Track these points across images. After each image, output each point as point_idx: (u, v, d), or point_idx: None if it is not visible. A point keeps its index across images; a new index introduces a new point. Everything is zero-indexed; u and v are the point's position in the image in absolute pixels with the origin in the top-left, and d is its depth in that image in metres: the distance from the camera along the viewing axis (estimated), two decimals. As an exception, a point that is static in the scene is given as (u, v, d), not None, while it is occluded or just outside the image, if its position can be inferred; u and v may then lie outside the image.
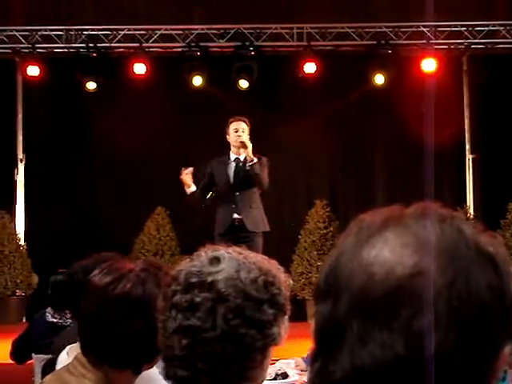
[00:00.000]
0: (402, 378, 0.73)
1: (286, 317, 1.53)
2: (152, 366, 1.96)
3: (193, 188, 7.51)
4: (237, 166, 7.46)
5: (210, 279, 1.46)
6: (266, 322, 1.47)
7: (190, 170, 7.54)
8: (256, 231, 7.34)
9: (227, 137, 7.52)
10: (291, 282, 1.53)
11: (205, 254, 1.51)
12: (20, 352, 4.83)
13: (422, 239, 0.76)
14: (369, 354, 0.73)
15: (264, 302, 1.47)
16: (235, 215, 7.36)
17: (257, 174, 7.22)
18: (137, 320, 1.86)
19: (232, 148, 7.54)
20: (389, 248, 0.77)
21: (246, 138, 7.36)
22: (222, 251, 1.51)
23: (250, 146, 7.23)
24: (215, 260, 1.49)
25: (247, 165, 7.28)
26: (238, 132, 7.39)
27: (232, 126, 7.48)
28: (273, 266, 1.54)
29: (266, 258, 1.57)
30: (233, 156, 7.54)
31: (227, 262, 1.48)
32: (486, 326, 0.74)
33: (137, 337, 1.85)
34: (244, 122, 7.49)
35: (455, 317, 0.73)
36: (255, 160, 7.24)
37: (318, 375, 0.79)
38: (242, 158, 7.46)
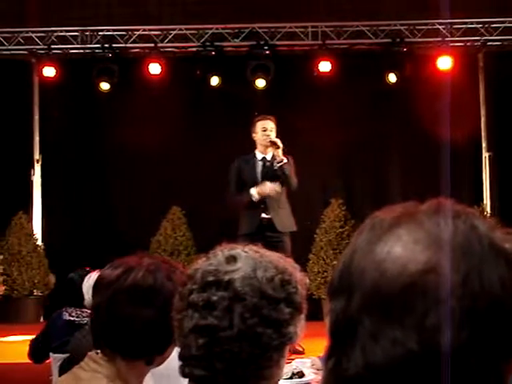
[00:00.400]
0: (414, 374, 0.72)
1: (303, 315, 1.53)
2: (164, 359, 1.97)
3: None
4: (264, 165, 7.35)
5: (226, 278, 1.46)
6: (283, 321, 1.46)
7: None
8: (284, 231, 7.25)
9: (253, 135, 7.40)
10: (307, 280, 1.53)
11: (221, 252, 1.51)
12: (38, 352, 4.86)
13: (434, 235, 0.76)
14: (381, 350, 0.73)
15: (281, 300, 1.47)
16: (263, 215, 7.24)
17: (287, 174, 7.14)
18: (148, 308, 1.88)
19: (259, 147, 7.42)
20: (401, 244, 0.77)
21: (273, 136, 7.24)
22: (239, 250, 1.51)
23: (281, 145, 7.12)
24: (232, 259, 1.49)
25: (275, 164, 7.17)
26: (267, 131, 7.29)
27: (260, 125, 7.36)
28: (289, 264, 1.54)
29: (282, 256, 1.57)
30: (259, 155, 7.42)
31: (244, 261, 1.48)
32: (499, 321, 0.73)
33: (148, 326, 1.87)
34: (271, 120, 7.37)
35: (468, 313, 0.72)
36: (285, 160, 7.14)
37: (332, 373, 0.79)
38: (268, 157, 7.35)
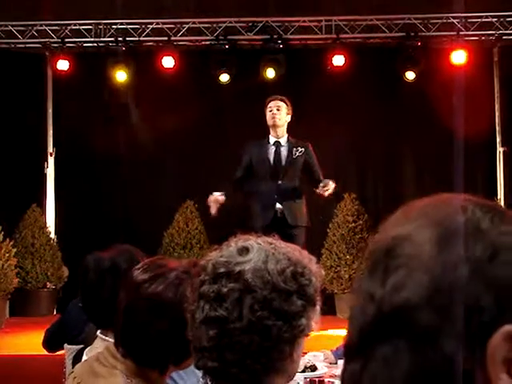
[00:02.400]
0: (379, 326, 0.77)
1: (318, 307, 1.51)
2: (180, 369, 1.97)
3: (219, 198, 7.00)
4: (277, 149, 6.98)
5: (237, 269, 1.45)
6: (294, 314, 1.46)
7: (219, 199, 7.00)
8: (301, 225, 6.90)
9: (266, 117, 7.08)
10: (323, 272, 1.52)
11: (234, 244, 1.50)
12: (53, 340, 4.86)
13: (426, 213, 0.80)
14: (359, 305, 0.80)
15: (292, 293, 1.46)
16: (278, 205, 6.83)
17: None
18: (164, 320, 1.86)
19: (269, 128, 7.09)
20: (400, 225, 0.81)
21: (283, 116, 6.94)
22: (252, 241, 1.50)
23: (330, 190, 6.74)
24: (244, 250, 1.48)
25: (295, 153, 6.90)
26: (273, 110, 6.97)
27: (268, 105, 7.05)
28: (304, 256, 1.53)
29: (298, 248, 1.55)
30: (272, 139, 7.05)
31: (256, 253, 1.47)
32: (456, 301, 0.75)
33: (162, 338, 1.86)
34: (281, 100, 7.03)
35: (427, 275, 0.76)
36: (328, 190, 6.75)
37: None
38: (283, 141, 7.02)
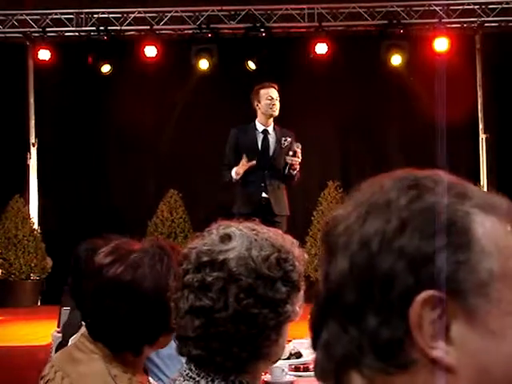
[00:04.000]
0: (324, 311, 0.82)
1: (301, 292, 1.51)
2: (156, 348, 1.97)
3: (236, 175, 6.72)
4: (265, 137, 6.80)
5: (221, 258, 1.44)
6: (280, 300, 1.45)
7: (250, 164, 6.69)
8: (283, 214, 6.77)
9: (256, 104, 6.79)
10: (306, 256, 1.50)
11: (216, 231, 1.49)
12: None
13: (362, 198, 0.85)
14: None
15: (277, 279, 1.45)
16: (263, 194, 6.69)
17: (293, 176, 6.67)
18: (124, 303, 1.86)
19: (260, 117, 6.83)
20: (343, 207, 0.86)
21: (278, 106, 6.72)
22: (234, 228, 1.48)
23: (299, 158, 6.59)
24: (226, 237, 1.46)
25: (283, 143, 6.72)
26: (273, 100, 6.73)
27: (264, 94, 6.73)
28: (287, 241, 1.52)
29: (281, 232, 1.54)
30: (260, 126, 6.84)
31: (238, 240, 1.46)
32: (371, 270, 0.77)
33: (126, 320, 1.85)
34: (276, 88, 6.81)
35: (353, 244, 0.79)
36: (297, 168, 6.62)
37: None
38: (270, 129, 6.83)
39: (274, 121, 6.92)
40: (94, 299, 1.90)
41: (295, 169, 6.61)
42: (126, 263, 1.89)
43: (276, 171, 6.76)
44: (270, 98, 6.73)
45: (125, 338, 1.88)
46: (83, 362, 1.89)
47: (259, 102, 6.77)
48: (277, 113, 6.81)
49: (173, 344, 2.08)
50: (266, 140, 6.82)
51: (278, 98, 6.77)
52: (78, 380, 1.88)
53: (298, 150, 6.62)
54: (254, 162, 6.63)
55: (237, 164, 6.72)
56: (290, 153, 6.63)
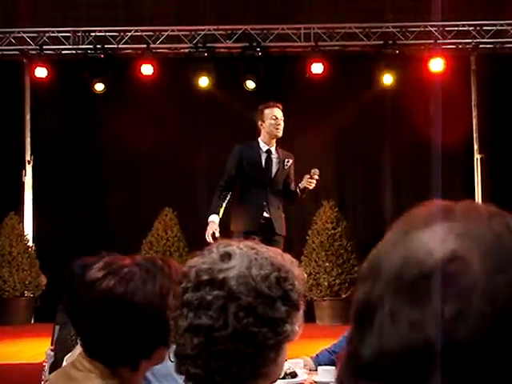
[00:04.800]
0: (427, 364, 0.70)
1: (301, 312, 1.51)
2: (154, 363, 1.96)
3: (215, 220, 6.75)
4: (268, 158, 6.79)
5: (221, 276, 1.44)
6: (279, 320, 1.45)
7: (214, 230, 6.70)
8: (282, 234, 6.76)
9: (260, 124, 6.76)
10: (305, 275, 1.50)
11: (216, 249, 1.49)
12: None
13: (468, 228, 0.74)
14: (398, 333, 0.71)
15: (277, 299, 1.45)
16: (265, 214, 6.68)
17: (300, 197, 6.82)
18: (118, 317, 1.85)
19: (265, 136, 6.79)
20: (431, 233, 0.75)
21: (282, 126, 6.71)
22: (234, 247, 1.48)
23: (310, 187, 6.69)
24: (226, 256, 1.46)
25: (286, 164, 6.80)
26: (278, 120, 6.69)
27: (269, 113, 6.71)
28: (286, 260, 1.52)
29: (280, 251, 1.54)
30: (264, 146, 6.81)
31: (238, 259, 1.46)
32: None
33: (121, 334, 1.85)
34: (280, 108, 6.77)
35: (490, 307, 0.70)
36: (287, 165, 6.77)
37: (349, 359, 0.77)
38: (273, 150, 6.83)
39: (276, 142, 6.90)
40: (88, 313, 1.89)
41: (306, 189, 6.69)
42: (117, 276, 1.88)
43: (277, 191, 6.77)
44: (274, 117, 6.70)
45: (120, 352, 1.87)
46: (79, 381, 1.88)
47: (263, 121, 6.74)
48: (281, 133, 6.77)
49: (169, 363, 2.07)
50: (269, 159, 6.80)
51: (283, 118, 6.74)
52: None
53: (317, 176, 6.69)
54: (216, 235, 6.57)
55: (238, 178, 6.77)
56: (307, 176, 6.67)
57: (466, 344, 0.69)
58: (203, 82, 10.10)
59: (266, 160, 6.80)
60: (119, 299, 1.85)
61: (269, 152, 6.82)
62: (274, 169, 6.81)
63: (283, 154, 6.87)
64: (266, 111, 6.72)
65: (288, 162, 6.83)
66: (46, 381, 2.10)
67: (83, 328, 1.93)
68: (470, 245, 0.72)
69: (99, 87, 10.12)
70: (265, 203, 6.69)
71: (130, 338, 1.85)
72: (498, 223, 0.75)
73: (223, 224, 6.91)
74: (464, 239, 0.73)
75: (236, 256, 1.47)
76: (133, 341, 1.85)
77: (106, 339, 1.86)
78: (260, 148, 6.80)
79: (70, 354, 2.74)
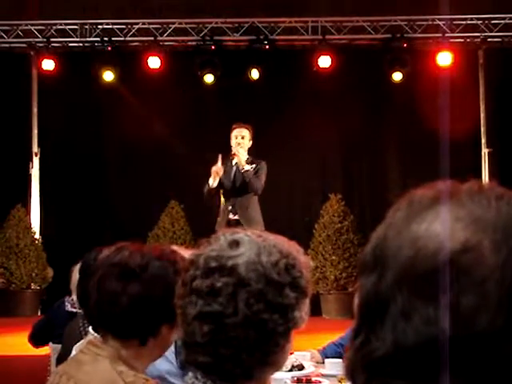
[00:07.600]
0: (444, 357, 0.69)
1: (308, 299, 1.51)
2: (161, 344, 1.97)
3: (215, 184, 7.58)
4: (237, 170, 7.60)
5: (230, 263, 1.43)
6: (288, 306, 1.45)
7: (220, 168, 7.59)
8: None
9: (231, 141, 7.66)
10: (311, 263, 1.50)
11: (223, 237, 1.48)
12: (39, 336, 4.86)
13: (475, 214, 0.73)
14: (412, 329, 0.70)
15: (286, 285, 1.45)
16: (230, 215, 7.53)
17: (247, 181, 7.47)
18: (135, 283, 1.91)
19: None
20: (440, 221, 0.73)
21: (246, 143, 7.53)
22: (241, 234, 1.49)
23: (241, 157, 7.47)
24: (234, 243, 1.46)
25: (241, 169, 7.51)
26: (238, 139, 7.55)
27: (233, 133, 7.64)
28: (292, 247, 1.52)
29: (286, 239, 1.54)
30: (234, 160, 7.68)
31: (247, 245, 1.46)
32: None
33: (135, 302, 1.89)
34: (246, 128, 7.61)
35: (506, 297, 0.69)
36: (246, 168, 7.46)
37: (359, 352, 0.75)
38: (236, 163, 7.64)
39: (249, 153, 7.69)
40: (101, 285, 1.94)
41: (243, 168, 7.47)
42: (130, 250, 1.96)
43: (244, 196, 7.57)
44: (235, 136, 7.61)
45: (130, 323, 1.91)
46: (88, 363, 1.91)
47: (231, 139, 7.65)
48: (242, 151, 7.58)
49: (172, 359, 2.07)
50: (237, 172, 7.62)
51: (246, 136, 7.59)
52: (83, 379, 1.88)
53: (255, 166, 7.55)
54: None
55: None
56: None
57: (487, 335, 0.68)
58: (212, 77, 10.07)
59: (235, 173, 7.66)
60: (135, 267, 1.91)
61: (237, 165, 7.63)
62: (239, 182, 7.61)
63: (249, 162, 7.61)
64: (232, 132, 7.66)
65: (241, 170, 7.55)
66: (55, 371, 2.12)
67: (94, 300, 1.96)
68: (479, 233, 0.71)
69: (108, 78, 10.12)
70: (230, 207, 7.57)
71: (142, 306, 1.89)
72: (505, 204, 0.75)
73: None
74: (473, 227, 0.72)
75: (244, 243, 1.46)
76: (145, 310, 1.89)
77: (119, 308, 1.90)
78: (231, 163, 7.69)
79: (78, 344, 2.75)
